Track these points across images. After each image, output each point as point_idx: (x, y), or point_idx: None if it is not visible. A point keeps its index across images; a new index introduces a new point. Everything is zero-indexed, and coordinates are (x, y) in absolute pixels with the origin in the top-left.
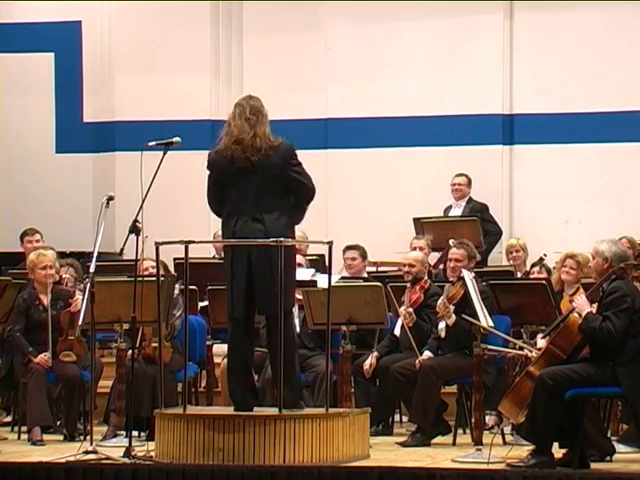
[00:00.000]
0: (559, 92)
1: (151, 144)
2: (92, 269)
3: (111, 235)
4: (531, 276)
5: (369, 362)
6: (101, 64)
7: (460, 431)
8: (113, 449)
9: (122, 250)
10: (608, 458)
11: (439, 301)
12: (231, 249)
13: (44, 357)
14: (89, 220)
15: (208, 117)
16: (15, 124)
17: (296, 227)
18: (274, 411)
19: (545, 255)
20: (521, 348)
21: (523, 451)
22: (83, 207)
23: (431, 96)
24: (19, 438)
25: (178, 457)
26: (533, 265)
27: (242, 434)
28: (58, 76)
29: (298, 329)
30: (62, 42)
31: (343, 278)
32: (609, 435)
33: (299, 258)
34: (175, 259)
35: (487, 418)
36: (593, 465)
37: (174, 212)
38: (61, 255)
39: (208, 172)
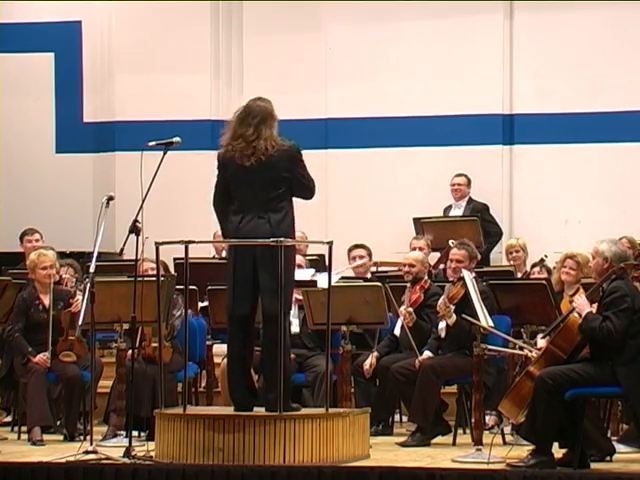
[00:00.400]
0: (559, 92)
1: (151, 144)
2: (92, 269)
3: (111, 235)
4: (531, 276)
5: (369, 362)
6: (101, 64)
7: (460, 431)
8: (113, 449)
9: (122, 250)
10: (608, 458)
11: (440, 300)
12: (235, 247)
13: (43, 357)
14: (89, 220)
15: (208, 117)
16: (15, 124)
17: (298, 227)
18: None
19: (546, 256)
20: (521, 348)
21: (523, 451)
22: (83, 207)
23: (431, 96)
24: (19, 438)
25: (178, 457)
26: (533, 265)
27: (242, 434)
28: (58, 76)
29: (298, 329)
30: (62, 42)
31: (343, 278)
32: (609, 435)
33: (299, 258)
34: (175, 259)
35: (487, 418)
36: (593, 465)
37: (174, 212)
38: (61, 255)
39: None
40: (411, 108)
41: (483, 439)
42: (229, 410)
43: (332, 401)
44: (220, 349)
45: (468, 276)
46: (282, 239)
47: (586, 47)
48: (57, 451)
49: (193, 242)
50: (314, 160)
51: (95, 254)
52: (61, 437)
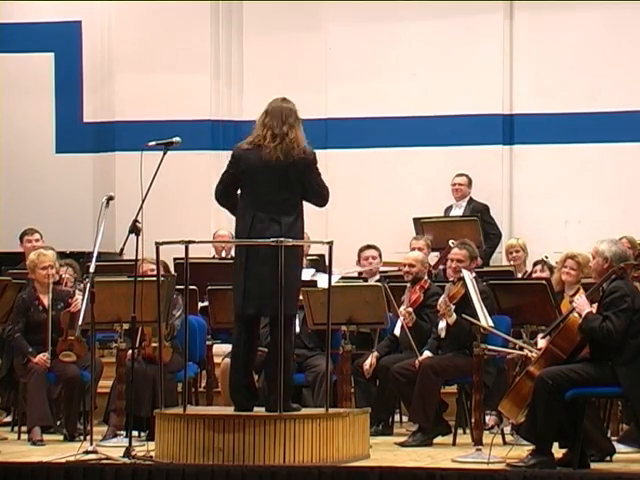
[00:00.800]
0: (559, 92)
1: (151, 144)
2: (92, 269)
3: (111, 235)
4: (533, 274)
5: (369, 362)
6: (101, 64)
7: (460, 431)
8: (113, 449)
9: (122, 250)
10: (608, 458)
11: (440, 299)
12: (246, 247)
13: (43, 357)
14: (89, 220)
15: (208, 117)
16: (15, 124)
17: None
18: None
19: (546, 257)
20: (521, 348)
21: (523, 451)
22: (83, 207)
23: (431, 96)
24: (19, 438)
25: (178, 457)
26: (535, 263)
27: (242, 434)
28: (58, 76)
29: (298, 329)
30: (62, 42)
31: (344, 278)
32: (609, 435)
33: None
34: (175, 259)
35: (487, 418)
36: (593, 465)
37: (174, 212)
38: (61, 255)
39: (227, 165)
40: (411, 108)
41: (483, 439)
42: (229, 410)
43: (332, 401)
44: (220, 349)
45: (468, 276)
46: (282, 239)
47: (586, 47)
48: (57, 451)
49: (193, 242)
50: None
51: (95, 254)
52: (61, 437)
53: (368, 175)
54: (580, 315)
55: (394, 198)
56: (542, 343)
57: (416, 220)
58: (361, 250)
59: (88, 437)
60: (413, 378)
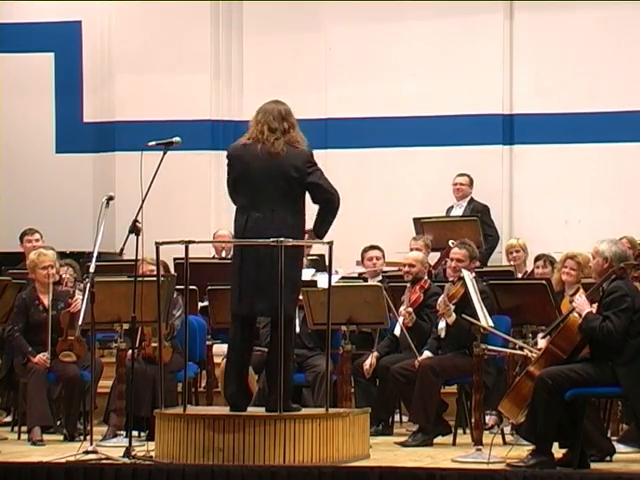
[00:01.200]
0: (559, 92)
1: (151, 144)
2: (92, 269)
3: (111, 235)
4: (535, 270)
5: (369, 362)
6: (101, 64)
7: (460, 431)
8: (113, 449)
9: (122, 250)
10: (608, 458)
11: (439, 299)
12: (241, 247)
13: (43, 357)
14: (89, 220)
15: (208, 117)
16: (15, 124)
17: None
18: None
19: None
20: (521, 348)
21: (523, 451)
22: (83, 207)
23: (431, 96)
24: (19, 438)
25: (178, 457)
26: (537, 258)
27: (242, 434)
28: (58, 76)
29: (298, 329)
30: (62, 42)
31: (344, 278)
32: (609, 435)
33: None
34: (175, 259)
35: (487, 418)
36: (593, 465)
37: (174, 212)
38: (61, 255)
39: (227, 169)
40: (411, 108)
41: (483, 439)
42: (229, 410)
43: (332, 401)
44: (220, 349)
45: (468, 276)
46: (282, 239)
47: (586, 47)
48: (57, 451)
49: (193, 242)
50: None
51: (95, 254)
52: (61, 437)
53: (368, 175)
54: (580, 315)
55: (394, 198)
56: (542, 343)
57: (416, 220)
58: (364, 250)
59: (88, 437)
60: (413, 378)
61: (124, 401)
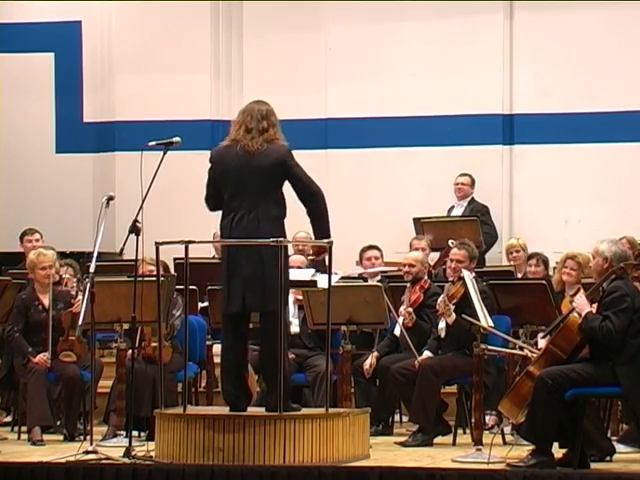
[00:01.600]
0: (559, 92)
1: (151, 144)
2: (92, 269)
3: (111, 235)
4: (528, 269)
5: (369, 362)
6: (101, 64)
7: (460, 431)
8: (113, 449)
9: (122, 250)
10: (608, 458)
11: (439, 299)
12: (228, 247)
13: (43, 357)
14: (89, 220)
15: (208, 117)
16: (15, 124)
17: (299, 227)
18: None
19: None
20: (521, 348)
21: (523, 451)
22: (83, 207)
23: (431, 96)
24: (19, 438)
25: (178, 457)
26: (530, 257)
27: (242, 434)
28: (58, 76)
29: (298, 329)
30: (62, 42)
31: (343, 278)
32: (609, 435)
33: (300, 259)
34: (175, 259)
35: (487, 418)
36: (593, 465)
37: (174, 212)
38: (61, 255)
39: (208, 171)
40: (411, 108)
41: (483, 439)
42: (229, 410)
43: (332, 401)
44: (220, 349)
45: (468, 276)
46: (282, 239)
47: (586, 47)
48: (57, 451)
49: (193, 242)
50: (314, 160)
51: (95, 254)
52: (61, 437)
53: (368, 175)
54: (580, 315)
55: (394, 198)
56: (542, 343)
57: (416, 220)
58: (363, 250)
59: (88, 437)
60: (413, 378)
61: (124, 401)
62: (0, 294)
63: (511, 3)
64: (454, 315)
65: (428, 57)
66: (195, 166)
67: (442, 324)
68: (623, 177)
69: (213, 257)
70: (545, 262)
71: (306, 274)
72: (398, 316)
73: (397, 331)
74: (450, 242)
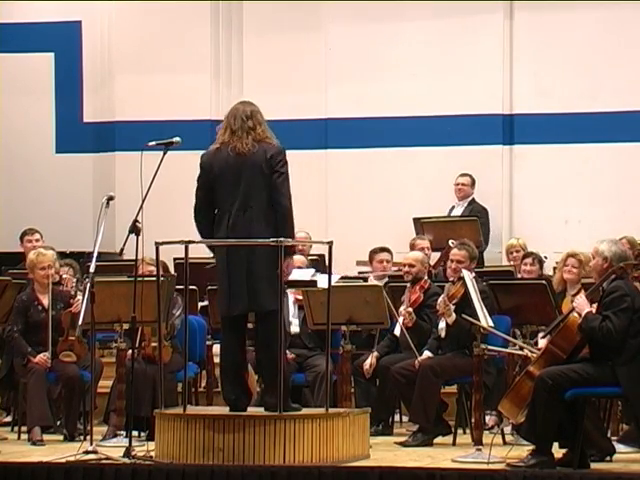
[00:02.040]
0: (559, 92)
1: (151, 144)
2: (92, 269)
3: (111, 235)
4: (523, 267)
5: (369, 362)
6: (101, 64)
7: (460, 431)
8: (113, 449)
9: (122, 250)
10: (608, 458)
11: (439, 299)
12: (220, 248)
13: (43, 357)
14: (89, 220)
15: (208, 117)
16: (15, 124)
17: (299, 227)
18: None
19: (545, 257)
20: (521, 348)
21: (523, 451)
22: (83, 207)
23: (431, 96)
24: (19, 438)
25: (178, 457)
26: (525, 256)
27: (242, 434)
28: (58, 76)
29: (298, 329)
30: (62, 42)
31: (343, 278)
32: (609, 435)
33: (301, 259)
34: (175, 259)
35: (487, 418)
36: (593, 465)
37: (174, 212)
38: (61, 255)
39: (197, 179)
40: (411, 108)
41: (483, 439)
42: (229, 410)
43: (332, 401)
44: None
45: (468, 276)
46: (282, 239)
47: (586, 47)
48: (57, 451)
49: (193, 242)
50: (314, 160)
51: (95, 254)
52: (61, 437)
53: (368, 175)
54: (580, 315)
55: (394, 198)
56: (542, 343)
57: (416, 220)
58: (374, 252)
59: (88, 437)
60: (413, 378)
61: (124, 401)
62: (0, 294)
63: (511, 3)
64: (454, 315)
65: (428, 57)
66: (195, 166)
67: (442, 324)
68: (623, 177)
69: (213, 257)
70: (540, 261)
71: (306, 274)
72: (398, 316)
73: (397, 331)
74: (450, 242)
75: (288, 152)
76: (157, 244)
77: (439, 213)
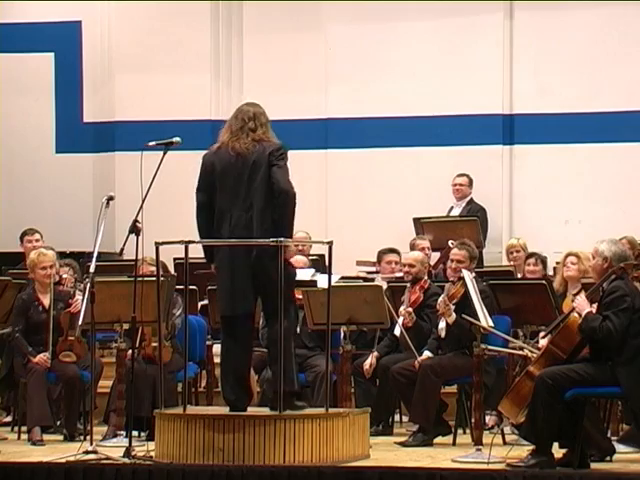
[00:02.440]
0: (559, 92)
1: (151, 144)
2: (92, 269)
3: (111, 235)
4: (527, 268)
5: (369, 362)
6: (101, 64)
7: (460, 431)
8: (113, 449)
9: (122, 250)
10: (608, 458)
11: (440, 299)
12: (221, 249)
13: (43, 357)
14: (89, 220)
15: (208, 117)
16: (15, 124)
17: (299, 227)
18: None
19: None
20: (521, 348)
21: (523, 451)
22: (83, 207)
23: (431, 96)
24: (19, 438)
25: (178, 457)
26: (529, 256)
27: (242, 434)
28: (58, 76)
29: (298, 329)
30: (62, 42)
31: (343, 278)
32: (609, 435)
33: (302, 259)
34: (175, 259)
35: (487, 418)
36: (593, 465)
37: (174, 212)
38: (61, 255)
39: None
40: (411, 108)
41: (483, 439)
42: (229, 410)
43: (332, 401)
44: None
45: (468, 276)
46: (282, 239)
47: (586, 47)
48: (57, 451)
49: (193, 242)
50: (314, 160)
51: (95, 254)
52: (61, 437)
53: (368, 175)
54: (580, 315)
55: (394, 198)
56: (544, 343)
57: (416, 220)
58: (383, 252)
59: (88, 437)
60: (413, 378)
61: (124, 401)
62: (0, 294)
63: (511, 3)
64: (454, 315)
65: (428, 57)
66: (195, 166)
67: (442, 324)
68: (623, 177)
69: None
70: (544, 262)
71: (306, 274)
72: (398, 316)
73: (397, 331)
74: (450, 243)
75: (288, 152)
76: (157, 244)
77: (439, 213)
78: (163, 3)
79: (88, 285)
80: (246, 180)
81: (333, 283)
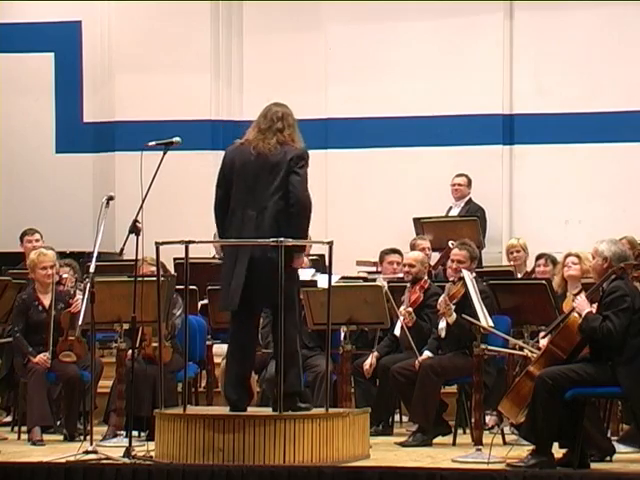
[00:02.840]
0: (559, 92)
1: (151, 144)
2: (92, 269)
3: (111, 235)
4: (537, 269)
5: (369, 362)
6: (101, 64)
7: (460, 431)
8: (113, 449)
9: (122, 250)
10: (608, 458)
11: (440, 299)
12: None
13: (43, 357)
14: (89, 220)
15: (208, 117)
16: (15, 124)
17: None
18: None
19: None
20: (521, 348)
21: (523, 451)
22: (83, 207)
23: (431, 96)
24: (19, 438)
25: (178, 457)
26: (538, 257)
27: (242, 434)
28: (58, 76)
29: None
30: (62, 42)
31: (343, 278)
32: (609, 435)
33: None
34: (175, 259)
35: (487, 418)
36: (593, 465)
37: (174, 212)
38: (61, 255)
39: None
40: (411, 108)
41: (483, 439)
42: (229, 410)
43: (332, 401)
44: (220, 349)
45: (468, 276)
46: (282, 239)
47: (586, 47)
48: (57, 451)
49: (193, 242)
50: (314, 160)
51: (95, 254)
52: (61, 437)
53: (368, 175)
54: (580, 315)
55: (394, 198)
56: (544, 342)
57: (416, 220)
58: (385, 253)
59: (88, 437)
60: (413, 378)
61: (124, 401)
62: (0, 294)
63: (511, 3)
64: (455, 315)
65: (428, 57)
66: (195, 166)
67: (442, 324)
68: (623, 177)
69: (213, 257)
70: (554, 262)
71: (306, 274)
72: (398, 316)
73: (397, 331)
74: (450, 243)
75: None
76: (157, 244)
77: (439, 213)
78: (163, 3)
79: (88, 285)
80: (263, 181)
81: (333, 283)
